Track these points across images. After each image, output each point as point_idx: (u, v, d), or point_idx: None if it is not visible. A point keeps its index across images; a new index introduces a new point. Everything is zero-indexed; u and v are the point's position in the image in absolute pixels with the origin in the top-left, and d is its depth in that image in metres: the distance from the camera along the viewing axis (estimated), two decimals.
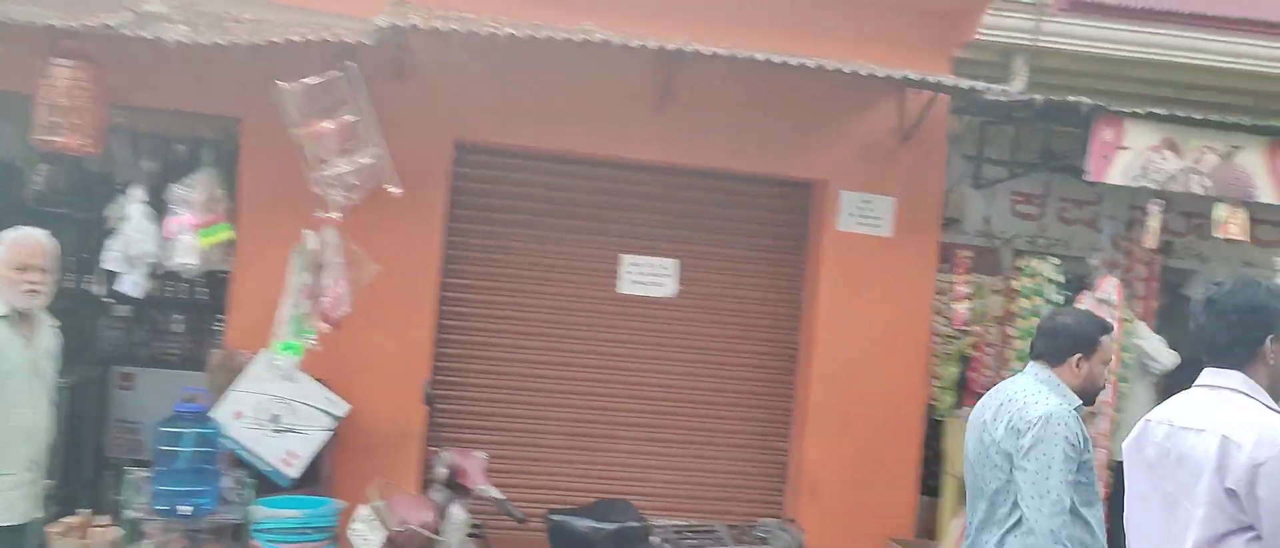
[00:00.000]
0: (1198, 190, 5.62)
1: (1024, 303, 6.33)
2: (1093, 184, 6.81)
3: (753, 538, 4.87)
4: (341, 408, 5.39)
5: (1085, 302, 5.58)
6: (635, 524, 4.76)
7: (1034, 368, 3.62)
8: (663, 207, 6.44)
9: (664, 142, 6.13)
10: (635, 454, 6.40)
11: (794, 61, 5.30)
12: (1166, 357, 5.94)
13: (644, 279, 6.41)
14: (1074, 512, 3.31)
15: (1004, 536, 3.44)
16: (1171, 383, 6.45)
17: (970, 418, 3.73)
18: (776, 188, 6.51)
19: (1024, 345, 6.40)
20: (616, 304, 6.39)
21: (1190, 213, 7.17)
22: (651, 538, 4.75)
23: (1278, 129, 5.61)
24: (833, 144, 6.30)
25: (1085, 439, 3.39)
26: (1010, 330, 6.43)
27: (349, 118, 4.95)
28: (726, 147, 6.20)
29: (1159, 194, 5.66)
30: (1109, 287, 5.51)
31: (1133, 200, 6.96)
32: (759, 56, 5.24)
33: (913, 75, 5.53)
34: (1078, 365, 3.59)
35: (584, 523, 4.75)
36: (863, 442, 6.31)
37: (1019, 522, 3.37)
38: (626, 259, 6.38)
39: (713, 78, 5.84)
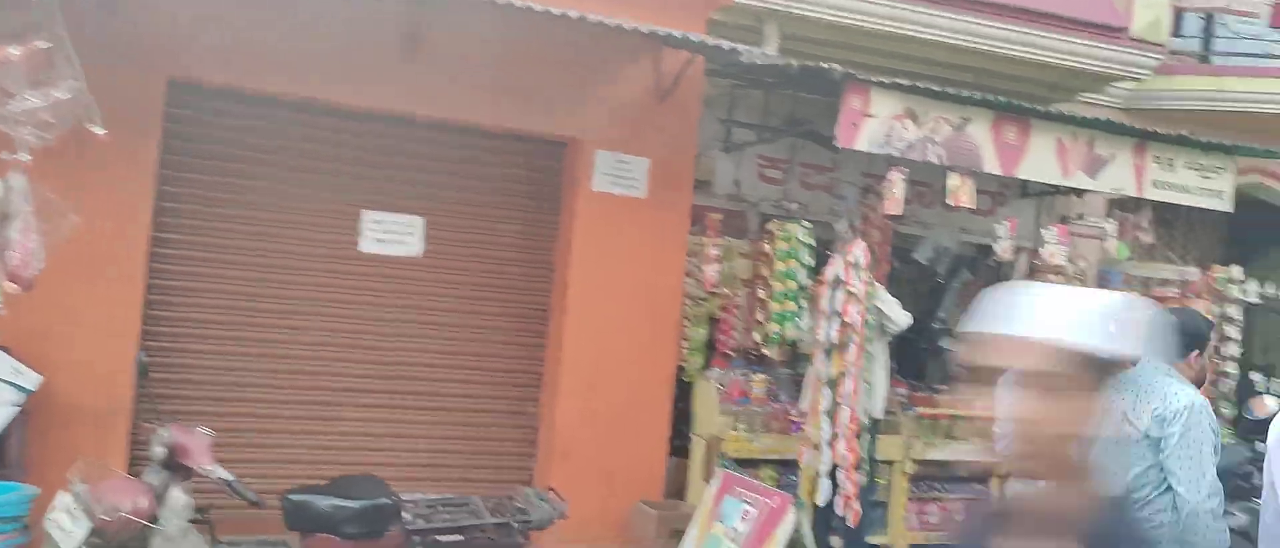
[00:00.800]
0: (933, 159, 5.87)
1: (779, 266, 6.43)
2: (833, 151, 7.04)
3: (511, 510, 4.63)
4: (31, 380, 4.69)
5: (836, 265, 5.71)
6: (384, 501, 4.40)
7: (1152, 363, 3.60)
8: (408, 161, 6.04)
9: (411, 92, 5.74)
10: (379, 425, 6.00)
11: (554, 11, 5.05)
12: (902, 317, 6.20)
13: (387, 237, 6.00)
14: None
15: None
16: (902, 343, 6.80)
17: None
18: (529, 145, 6.26)
19: (779, 308, 6.54)
20: (357, 264, 5.95)
21: (914, 181, 7.54)
22: (403, 515, 4.41)
23: (1004, 104, 5.94)
24: (588, 103, 6.13)
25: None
26: (761, 293, 6.52)
27: (41, 45, 4.24)
28: (478, 100, 5.89)
29: (899, 162, 5.86)
30: (858, 251, 5.66)
31: (868, 168, 7.24)
32: (516, 1, 4.96)
33: (675, 33, 5.42)
34: (1194, 361, 3.74)
35: (326, 502, 4.35)
36: (614, 404, 6.23)
37: (1150, 500, 3.47)
38: (368, 216, 5.94)
39: (465, 26, 5.49)
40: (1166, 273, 7.21)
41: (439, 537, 4.44)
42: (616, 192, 6.21)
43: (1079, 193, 7.39)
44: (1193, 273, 7.18)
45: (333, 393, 5.91)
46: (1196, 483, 3.43)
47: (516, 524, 4.57)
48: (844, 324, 5.62)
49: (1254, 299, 7.82)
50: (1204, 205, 6.57)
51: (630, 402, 6.27)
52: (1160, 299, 6.84)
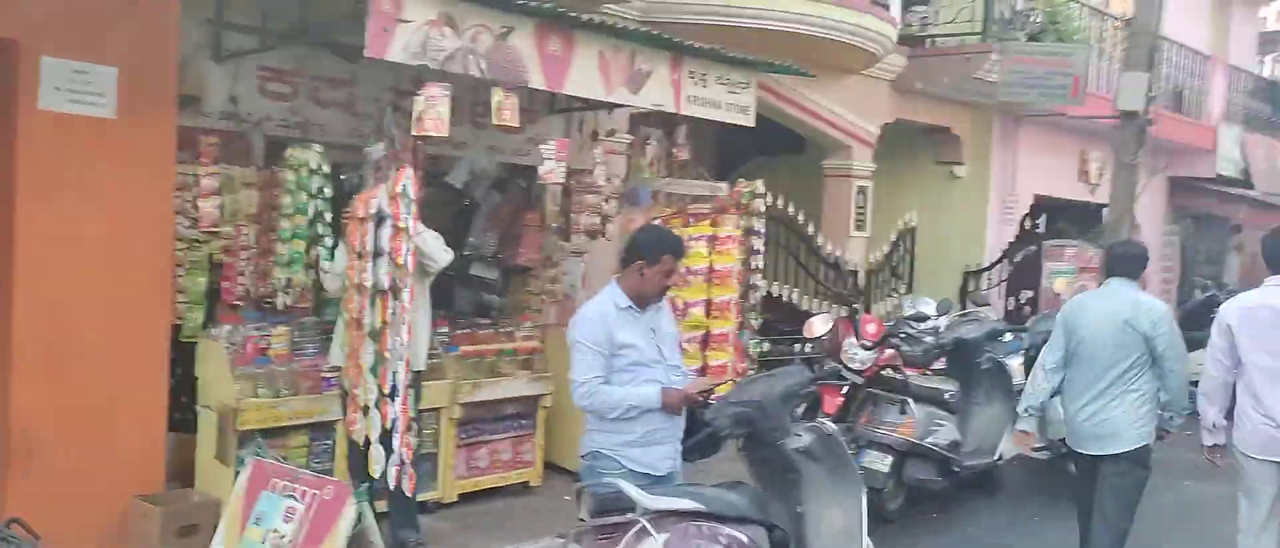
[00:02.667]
0: (475, 73, 5.18)
1: (287, 199, 5.41)
2: (352, 62, 6.09)
3: None
4: None
5: (381, 197, 4.82)
6: None
7: (1119, 282, 5.30)
8: None
9: None
10: None
11: None
12: (443, 256, 5.53)
13: None
14: None
15: (1125, 393, 5.16)
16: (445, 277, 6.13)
17: (1086, 315, 5.28)
18: None
19: (290, 248, 5.54)
20: None
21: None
22: None
23: (547, 10, 5.37)
24: None
25: None
26: (272, 231, 5.48)
27: None
28: None
29: (436, 75, 5.10)
30: (406, 179, 4.82)
31: (394, 83, 6.39)
32: None
33: None
34: (1145, 283, 5.48)
35: None
36: (92, 382, 4.92)
37: (1138, 384, 5.16)
38: None
39: None
40: (700, 189, 7.21)
41: None
42: (75, 110, 4.79)
43: (609, 108, 7.14)
44: (721, 188, 7.24)
45: None
46: (1180, 364, 5.19)
47: None
48: (395, 264, 4.80)
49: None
50: (732, 121, 6.56)
51: (114, 376, 4.98)
52: (696, 216, 6.80)
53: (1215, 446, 4.97)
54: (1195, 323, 13.90)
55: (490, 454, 6.56)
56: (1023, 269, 11.34)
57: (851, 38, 8.46)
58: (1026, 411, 5.57)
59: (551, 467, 7.01)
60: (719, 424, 4.63)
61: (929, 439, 6.73)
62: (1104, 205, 13.68)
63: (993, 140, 11.53)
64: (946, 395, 6.88)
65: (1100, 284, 5.53)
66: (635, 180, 7.40)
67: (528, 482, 6.81)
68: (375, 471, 4.80)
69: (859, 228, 10.33)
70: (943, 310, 8.47)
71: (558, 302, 7.57)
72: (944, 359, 7.87)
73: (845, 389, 7.18)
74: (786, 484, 4.68)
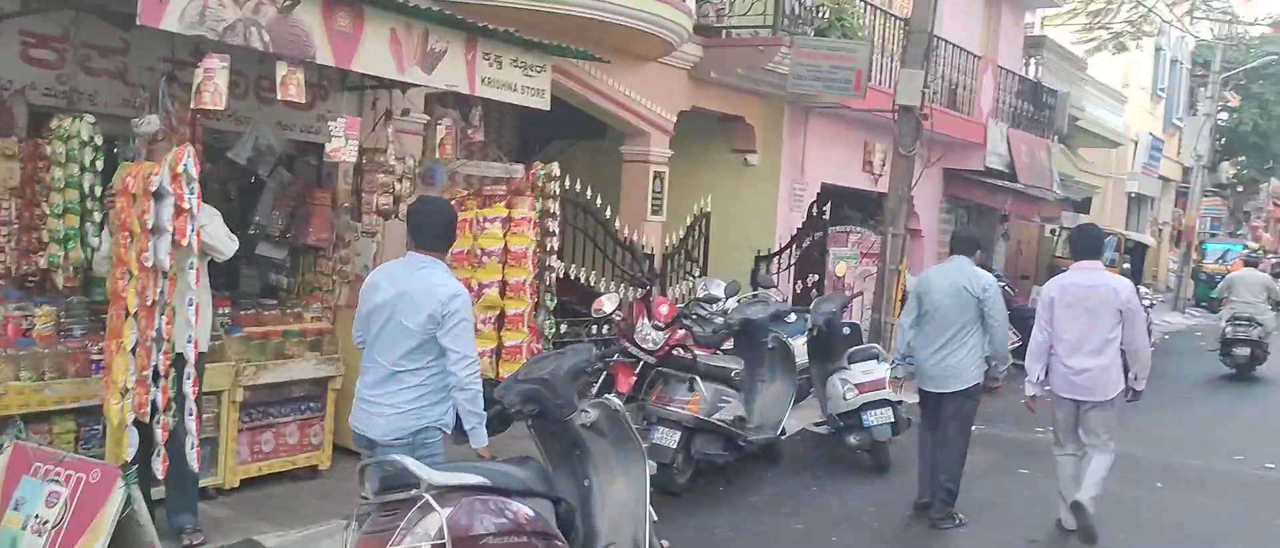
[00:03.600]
0: (258, 45, 5.01)
1: (57, 172, 5.12)
2: (124, 29, 5.81)
3: None
4: None
5: (163, 174, 4.58)
6: None
7: (959, 258, 6.84)
8: None
9: None
10: None
11: None
12: (228, 245, 5.35)
13: None
14: None
15: (963, 345, 6.64)
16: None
17: (933, 284, 6.78)
18: None
19: (64, 224, 5.26)
20: None
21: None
22: None
23: None
24: None
25: None
26: (42, 206, 5.17)
27: None
28: None
29: (216, 46, 4.92)
30: (187, 157, 4.60)
31: (168, 52, 6.12)
32: None
33: None
34: (980, 261, 6.96)
35: None
36: None
37: (972, 337, 6.65)
38: None
39: None
40: (496, 171, 7.22)
41: None
42: None
43: (403, 87, 7.06)
44: (518, 170, 7.27)
45: None
46: (1002, 322, 6.81)
47: None
48: (178, 245, 4.61)
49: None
50: (527, 104, 6.61)
51: None
52: (491, 197, 6.82)
53: (1035, 395, 6.61)
54: None
55: (276, 438, 6.39)
56: (809, 254, 11.88)
57: (646, 25, 8.64)
58: (895, 361, 7.13)
59: (341, 450, 6.88)
60: (509, 402, 4.70)
61: (716, 416, 7.00)
62: (886, 194, 14.52)
63: (784, 130, 12.01)
64: (733, 374, 7.17)
65: (944, 260, 7.19)
66: (430, 161, 7.33)
67: (316, 465, 6.67)
68: (128, 454, 4.60)
69: (656, 212, 10.57)
70: (731, 293, 8.80)
71: (349, 282, 7.43)
72: (732, 339, 8.22)
73: (638, 368, 7.38)
74: (573, 459, 4.80)
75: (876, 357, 8.24)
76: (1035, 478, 8.10)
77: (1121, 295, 6.31)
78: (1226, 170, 33.36)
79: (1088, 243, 6.62)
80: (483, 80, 6.26)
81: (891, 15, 12.66)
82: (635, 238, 9.69)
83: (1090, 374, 6.34)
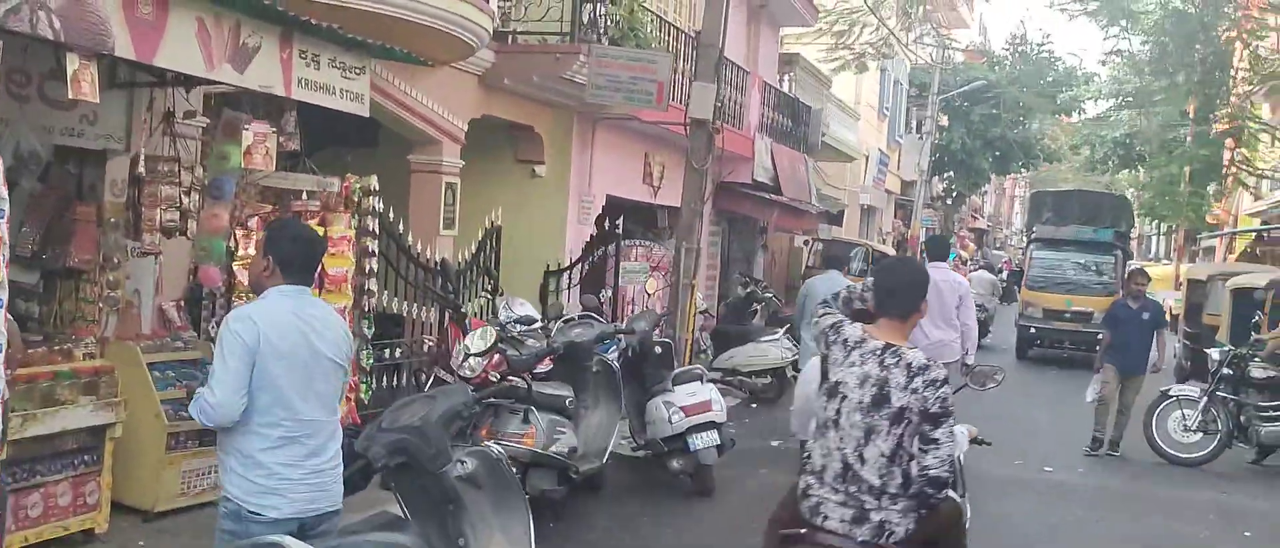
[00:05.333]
0: (47, 33, 4.13)
1: None
2: None
3: None
4: None
5: None
6: None
7: (832, 270, 9.76)
8: None
9: None
10: None
11: None
12: None
13: None
14: None
15: None
16: None
17: (817, 289, 9.11)
18: None
19: None
20: None
21: None
22: None
23: None
24: None
25: None
26: None
27: None
28: None
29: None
30: None
31: None
32: None
33: None
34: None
35: None
36: None
37: None
38: None
39: None
40: (306, 183, 6.41)
41: None
42: None
43: (187, 86, 6.17)
44: (333, 183, 6.50)
45: None
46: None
47: None
48: None
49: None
50: (347, 109, 5.92)
51: None
52: (302, 213, 6.05)
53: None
54: (736, 317, 15.26)
55: (45, 500, 5.36)
56: (596, 268, 11.61)
57: (453, 28, 8.04)
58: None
59: (120, 509, 5.91)
60: (374, 454, 4.08)
61: (552, 448, 6.56)
62: (664, 206, 14.51)
63: (573, 141, 11.68)
64: (568, 402, 6.75)
65: (821, 273, 9.86)
66: (217, 170, 6.44)
67: (92, 529, 5.67)
68: None
69: (448, 227, 9.95)
70: (554, 315, 8.37)
71: (119, 310, 6.44)
72: (550, 363, 7.77)
73: None
74: (445, 517, 4.23)
75: (700, 378, 8.05)
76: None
77: (962, 287, 8.71)
78: (937, 185, 36.20)
79: (937, 250, 9.87)
80: (299, 82, 5.53)
81: (679, 29, 12.60)
82: (444, 256, 9.06)
83: (938, 344, 7.98)
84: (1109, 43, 27.31)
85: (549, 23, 10.39)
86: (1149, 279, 11.54)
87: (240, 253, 5.98)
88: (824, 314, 4.12)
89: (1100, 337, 10.90)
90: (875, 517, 3.74)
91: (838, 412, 3.81)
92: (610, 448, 7.58)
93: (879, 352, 3.80)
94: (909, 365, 3.75)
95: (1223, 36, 21.89)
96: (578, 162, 11.85)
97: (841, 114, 23.90)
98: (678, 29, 12.52)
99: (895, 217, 34.03)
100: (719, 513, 7.52)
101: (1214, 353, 10.52)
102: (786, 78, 20.06)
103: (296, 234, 3.83)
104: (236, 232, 6.05)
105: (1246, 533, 7.67)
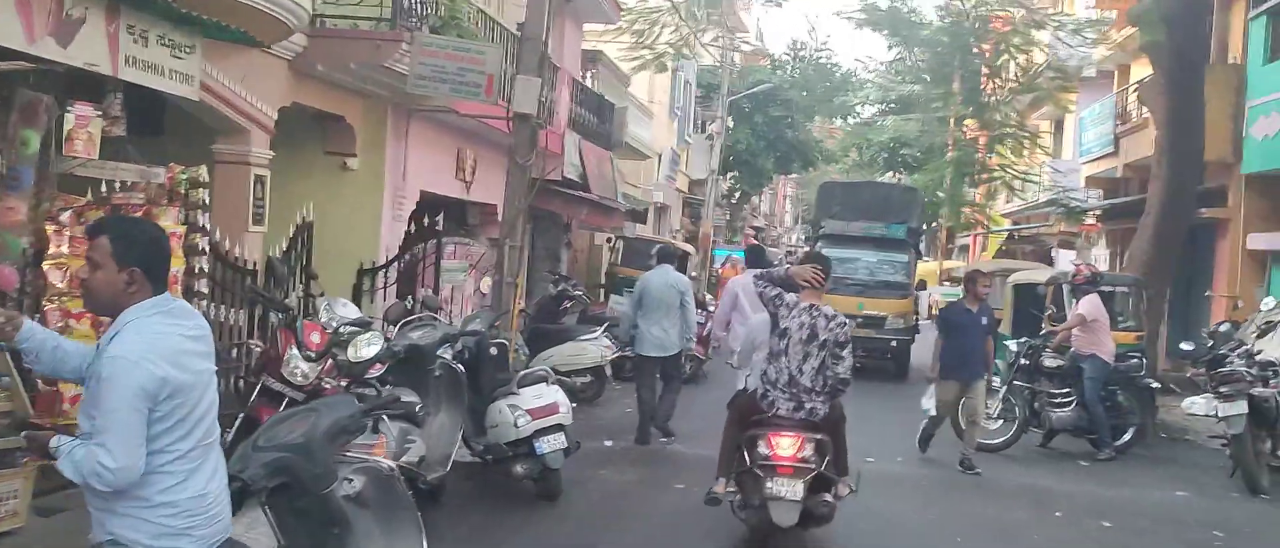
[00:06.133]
0: None
1: None
2: None
3: None
4: None
5: None
6: None
7: (665, 266, 10.27)
8: None
9: None
10: None
11: None
12: None
13: None
14: None
15: (673, 323, 9.92)
16: None
17: (652, 283, 10.03)
18: None
19: None
20: None
21: None
22: None
23: None
24: None
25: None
26: None
27: None
28: None
29: None
30: None
31: None
32: None
33: None
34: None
35: None
36: None
37: (676, 318, 9.97)
38: None
39: None
40: (129, 174, 5.69)
41: None
42: None
43: None
44: (159, 174, 5.82)
45: None
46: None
47: None
48: None
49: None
50: (175, 92, 5.34)
51: None
52: (124, 206, 5.40)
53: (740, 366, 8.62)
54: (548, 315, 15.04)
55: None
56: (410, 267, 11.15)
57: (272, 6, 7.45)
58: (627, 333, 10.26)
59: None
60: (251, 476, 3.68)
61: (404, 458, 6.16)
62: (476, 203, 14.13)
63: (387, 133, 11.15)
64: (418, 409, 6.37)
65: (657, 268, 10.30)
66: (13, 158, 5.66)
67: None
68: None
69: (257, 222, 9.25)
70: (395, 317, 7.92)
71: None
72: (382, 367, 7.33)
73: (284, 406, 6.32)
74: (328, 540, 3.86)
75: (545, 379, 7.81)
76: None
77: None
78: (722, 185, 37.18)
79: (755, 259, 10.38)
80: (127, 60, 4.97)
81: (496, 21, 12.25)
82: (271, 255, 8.40)
83: (760, 323, 8.08)
84: (892, 53, 28.65)
85: (365, 7, 9.85)
86: (992, 281, 11.78)
87: (53, 251, 5.24)
88: (766, 288, 6.64)
89: (935, 342, 10.01)
90: (807, 405, 6.45)
91: (786, 345, 6.46)
92: (454, 455, 7.25)
93: (807, 308, 6.51)
94: (826, 315, 6.51)
95: (987, 48, 23.40)
96: (392, 155, 11.33)
97: (638, 113, 24.11)
98: (495, 21, 12.17)
99: (683, 214, 34.71)
100: (568, 516, 7.33)
101: (1012, 345, 11.20)
102: (589, 74, 20.00)
103: (153, 235, 3.28)
104: (47, 227, 5.31)
105: (1057, 513, 8.17)
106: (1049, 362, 10.84)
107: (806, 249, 16.80)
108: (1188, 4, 13.43)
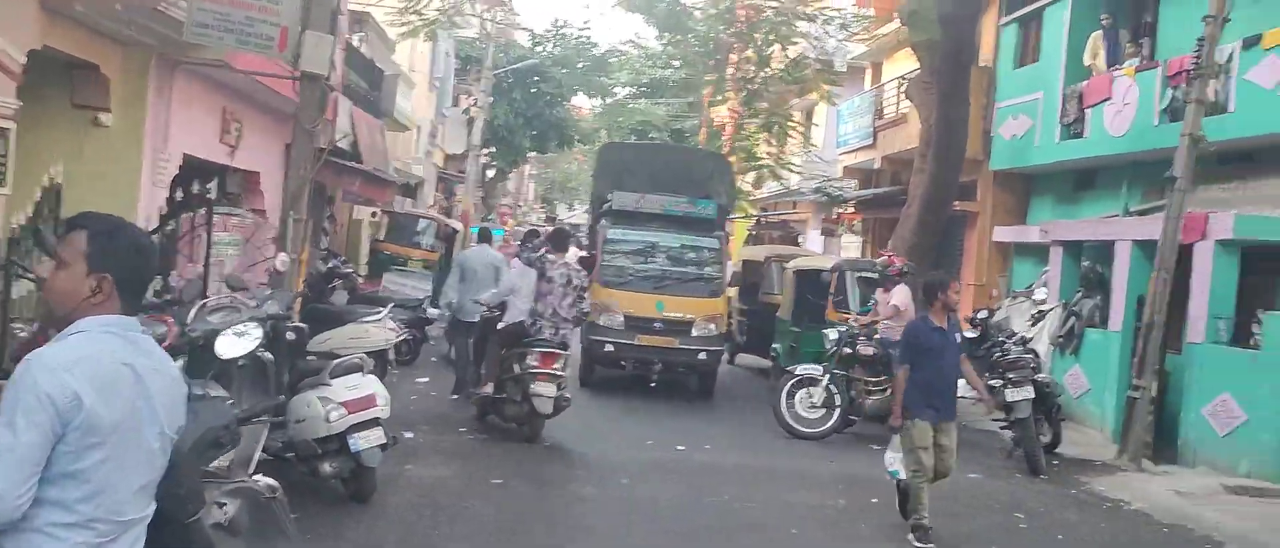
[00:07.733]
0: None
1: None
2: None
3: None
4: None
5: None
6: None
7: (484, 245, 13.02)
8: None
9: None
10: None
11: None
12: None
13: None
14: None
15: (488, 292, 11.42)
16: None
17: (472, 259, 12.48)
18: None
19: None
20: None
21: None
22: None
23: None
24: None
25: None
26: None
27: None
28: None
29: None
30: None
31: None
32: None
33: None
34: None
35: None
36: None
37: (490, 289, 11.40)
38: None
39: None
40: None
41: None
42: None
43: None
44: None
45: None
46: None
47: None
48: None
49: None
50: None
51: None
52: None
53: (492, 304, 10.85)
54: (316, 294, 13.98)
55: None
56: (173, 240, 9.95)
57: None
58: (445, 305, 12.34)
59: None
60: None
61: (214, 463, 5.31)
62: (240, 169, 12.86)
63: (149, 87, 9.85)
64: (227, 404, 5.53)
65: (475, 247, 12.25)
66: None
67: None
68: None
69: (0, 183, 7.89)
70: (191, 294, 6.90)
71: None
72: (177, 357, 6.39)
73: None
74: None
75: (360, 369, 7.08)
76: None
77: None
78: (480, 160, 36.42)
79: (560, 241, 10.73)
80: None
81: None
82: (40, 226, 7.14)
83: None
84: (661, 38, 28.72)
85: None
86: (769, 267, 11.73)
87: None
88: (539, 255, 10.02)
89: (895, 370, 7.89)
90: (562, 332, 9.77)
91: (550, 288, 9.75)
92: (257, 456, 6.41)
93: (562, 264, 9.90)
94: (570, 266, 10.07)
95: (756, 37, 23.81)
96: (154, 112, 10.01)
97: (401, 82, 23.04)
98: None
99: (437, 190, 33.67)
100: (385, 517, 6.69)
101: (831, 333, 11.40)
102: (359, 38, 18.82)
103: (139, 243, 2.59)
104: None
105: (873, 500, 8.30)
106: (864, 350, 11.08)
107: (552, 227, 15.64)
108: (963, 6, 14.14)
